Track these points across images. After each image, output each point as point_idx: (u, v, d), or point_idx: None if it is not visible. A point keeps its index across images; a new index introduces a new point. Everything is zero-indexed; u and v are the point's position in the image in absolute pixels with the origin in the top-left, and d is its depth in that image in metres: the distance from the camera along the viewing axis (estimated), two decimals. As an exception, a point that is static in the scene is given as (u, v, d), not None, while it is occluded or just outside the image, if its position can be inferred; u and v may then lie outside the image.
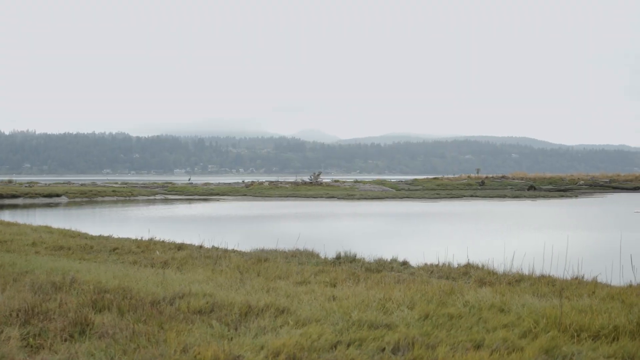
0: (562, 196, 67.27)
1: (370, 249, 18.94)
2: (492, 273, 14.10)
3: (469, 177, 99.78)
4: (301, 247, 18.76)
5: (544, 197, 66.21)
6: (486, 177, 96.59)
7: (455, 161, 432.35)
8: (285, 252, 18.14)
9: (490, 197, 64.92)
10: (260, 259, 15.56)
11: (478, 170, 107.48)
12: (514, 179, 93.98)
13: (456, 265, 15.69)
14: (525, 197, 65.54)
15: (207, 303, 9.05)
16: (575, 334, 7.42)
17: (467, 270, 14.69)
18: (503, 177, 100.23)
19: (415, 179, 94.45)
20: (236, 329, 7.85)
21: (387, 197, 63.63)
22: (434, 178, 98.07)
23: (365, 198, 62.04)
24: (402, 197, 63.64)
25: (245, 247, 19.39)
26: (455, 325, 8.04)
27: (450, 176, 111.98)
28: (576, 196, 67.17)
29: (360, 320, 8.09)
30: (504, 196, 65.57)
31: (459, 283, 12.41)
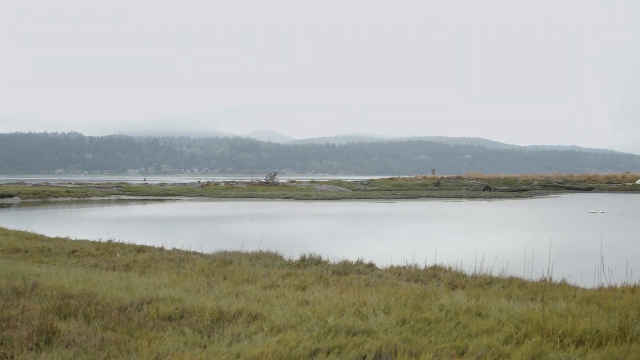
0: (517, 196, 67.72)
1: (333, 251, 18.76)
2: (461, 275, 13.97)
3: (424, 177, 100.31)
4: (264, 249, 18.50)
5: (499, 197, 66.65)
6: (441, 178, 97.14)
7: (410, 161, 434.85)
8: (248, 254, 17.86)
9: (446, 197, 65.13)
10: (225, 262, 15.26)
11: (433, 171, 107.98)
12: (469, 180, 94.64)
13: (423, 267, 15.54)
14: (481, 197, 65.89)
15: (176, 309, 8.74)
16: (559, 340, 7.28)
17: (436, 273, 14.55)
18: (458, 177, 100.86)
19: (371, 179, 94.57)
20: (209, 336, 7.57)
21: (344, 198, 63.49)
22: (390, 178, 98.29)
23: (322, 198, 61.84)
24: (359, 198, 63.56)
25: (207, 249, 19.02)
26: (434, 330, 7.86)
27: (406, 176, 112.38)
28: (531, 196, 67.70)
29: (337, 326, 7.85)
30: (460, 196, 65.80)
31: (430, 286, 12.25)
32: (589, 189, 79.88)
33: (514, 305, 9.23)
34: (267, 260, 16.69)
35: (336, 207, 49.52)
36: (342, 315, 8.56)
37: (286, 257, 17.57)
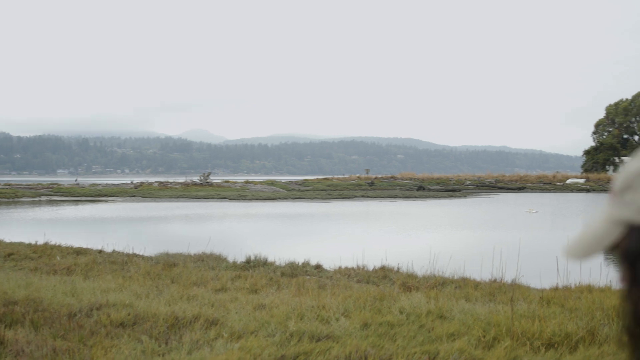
0: (451, 196, 68.19)
1: (276, 252, 18.39)
2: (412, 276, 13.80)
3: (358, 177, 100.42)
4: (206, 251, 18.10)
5: (434, 197, 67.03)
6: (375, 178, 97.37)
7: (342, 162, 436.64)
8: (191, 255, 17.43)
9: (381, 197, 65.27)
10: (170, 264, 14.80)
11: (367, 171, 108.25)
12: (402, 180, 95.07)
13: (372, 268, 15.36)
14: (416, 197, 66.18)
15: (128, 314, 8.38)
16: (529, 343, 7.15)
17: (386, 274, 14.36)
18: (392, 177, 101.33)
19: (306, 180, 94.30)
20: (167, 343, 7.24)
21: (279, 198, 63.14)
22: (324, 178, 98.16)
23: (257, 199, 61.38)
24: (294, 198, 63.27)
25: (147, 250, 18.51)
26: (399, 334, 7.66)
27: (340, 177, 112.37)
28: (465, 196, 68.26)
29: (299, 331, 7.60)
30: (394, 196, 66.03)
31: (384, 288, 12.07)
32: (520, 189, 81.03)
33: (476, 307, 9.09)
34: (212, 262, 16.29)
35: (273, 208, 49.16)
36: (302, 319, 8.31)
37: (230, 258, 17.20)
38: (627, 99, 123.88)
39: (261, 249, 18.14)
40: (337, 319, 8.35)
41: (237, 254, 17.56)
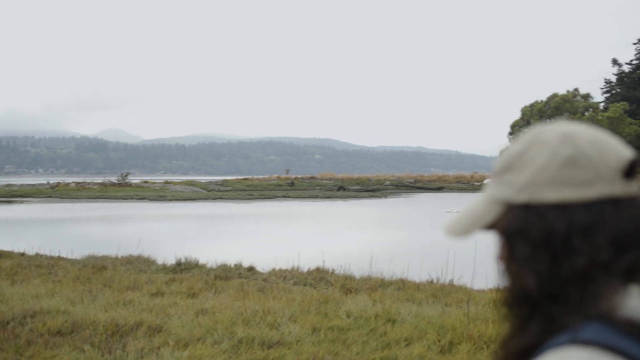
0: (372, 196, 68.47)
1: (203, 253, 17.95)
2: (350, 278, 13.60)
3: (278, 177, 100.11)
4: (133, 252, 17.58)
5: (354, 197, 67.18)
6: (295, 178, 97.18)
7: (260, 162, 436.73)
8: (119, 258, 16.91)
9: (302, 197, 65.17)
10: (99, 267, 14.26)
11: (287, 171, 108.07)
12: (322, 180, 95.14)
13: (306, 270, 15.11)
14: (337, 197, 66.22)
15: (66, 322, 7.96)
16: (485, 347, 7.03)
17: (322, 276, 14.13)
18: (312, 177, 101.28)
19: (226, 180, 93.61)
20: (110, 352, 6.88)
21: (199, 198, 62.40)
22: (244, 179, 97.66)
23: (178, 199, 60.55)
24: (214, 198, 62.62)
25: (72, 253, 17.89)
26: (351, 339, 7.47)
27: (260, 177, 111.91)
28: (385, 196, 68.62)
29: (248, 337, 7.33)
30: (315, 196, 66.00)
31: (324, 290, 11.86)
32: (439, 189, 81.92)
33: (425, 310, 8.95)
34: (141, 264, 15.81)
35: (195, 208, 48.52)
36: (249, 324, 8.03)
37: (159, 261, 16.73)
38: (542, 101, 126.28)
39: (189, 251, 17.69)
40: (285, 324, 8.10)
41: (165, 256, 17.09)
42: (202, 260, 16.38)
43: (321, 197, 65.10)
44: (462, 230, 1.32)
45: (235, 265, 15.87)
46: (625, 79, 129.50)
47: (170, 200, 59.81)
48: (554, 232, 1.20)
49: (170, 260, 16.47)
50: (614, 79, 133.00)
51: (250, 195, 66.70)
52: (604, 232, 1.18)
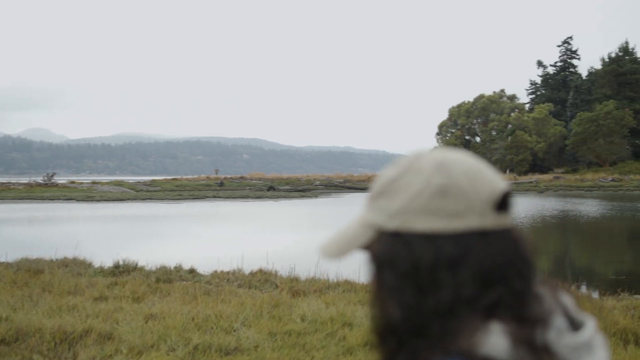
0: (302, 196, 68.43)
1: (138, 255, 17.44)
2: (296, 280, 13.35)
3: (207, 177, 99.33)
4: (68, 255, 17.00)
5: (285, 197, 67.08)
6: (225, 178, 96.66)
7: (187, 162, 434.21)
8: (54, 261, 16.28)
9: (233, 197, 64.77)
10: (35, 271, 13.65)
11: (217, 171, 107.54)
12: (252, 180, 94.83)
13: (248, 272, 14.79)
14: (267, 197, 66.03)
15: (10, 330, 7.52)
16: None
17: (267, 278, 13.82)
18: (242, 177, 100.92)
19: (154, 180, 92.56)
20: (60, 362, 6.52)
21: (128, 199, 61.46)
22: (173, 179, 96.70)
23: (106, 200, 59.51)
24: (144, 199, 61.74)
25: (5, 256, 17.16)
26: (309, 344, 7.23)
27: (189, 177, 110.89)
28: (316, 196, 68.62)
29: (204, 343, 7.03)
30: (246, 197, 65.67)
31: (276, 293, 11.60)
32: (368, 189, 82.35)
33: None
34: (78, 267, 15.25)
35: (125, 209, 47.69)
36: (202, 330, 7.73)
37: (96, 263, 16.20)
38: (469, 101, 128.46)
39: (125, 253, 17.21)
40: (240, 329, 7.83)
41: (101, 258, 16.56)
42: (140, 263, 15.91)
43: (252, 197, 64.80)
44: (336, 251, 1.30)
45: (176, 267, 15.44)
46: (550, 80, 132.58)
47: (98, 200, 58.77)
48: (420, 263, 1.18)
49: (108, 263, 15.97)
50: (538, 80, 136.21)
51: (180, 195, 65.96)
52: (470, 266, 1.16)
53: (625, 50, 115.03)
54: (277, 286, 12.68)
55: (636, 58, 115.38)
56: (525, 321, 1.14)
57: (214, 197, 65.27)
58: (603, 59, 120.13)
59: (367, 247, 1.27)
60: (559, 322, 1.18)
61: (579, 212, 42.76)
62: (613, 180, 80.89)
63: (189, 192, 69.47)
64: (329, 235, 1.31)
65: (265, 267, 15.04)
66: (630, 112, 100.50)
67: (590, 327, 1.21)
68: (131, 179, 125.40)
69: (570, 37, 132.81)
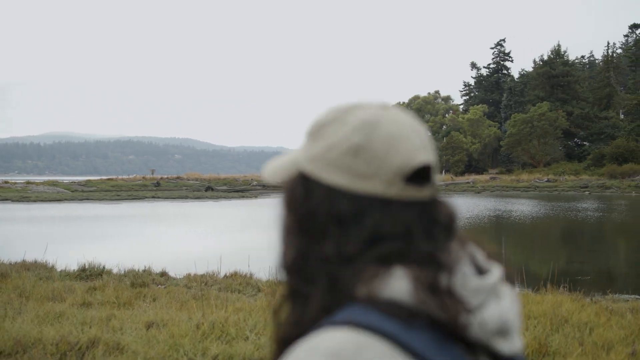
0: (242, 197, 68.00)
1: (94, 257, 16.69)
2: (276, 283, 12.93)
3: (144, 178, 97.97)
4: (26, 259, 16.26)
5: (225, 197, 66.56)
6: (161, 178, 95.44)
7: (119, 162, 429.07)
8: (13, 264, 15.51)
9: (172, 197, 63.97)
10: (1, 275, 12.96)
11: (153, 171, 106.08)
12: (189, 180, 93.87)
13: (223, 275, 14.33)
14: (207, 197, 65.44)
15: (6, 340, 6.92)
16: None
17: (247, 281, 13.39)
18: (178, 177, 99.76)
19: (89, 180, 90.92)
20: (74, 376, 6.03)
21: (65, 199, 60.12)
22: (108, 179, 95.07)
23: (43, 200, 58.12)
24: (81, 199, 60.48)
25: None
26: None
27: (124, 177, 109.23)
28: (256, 197, 68.16)
29: (224, 354, 6.59)
30: (185, 197, 64.92)
31: (261, 297, 11.20)
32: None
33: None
34: (41, 271, 14.50)
35: (64, 209, 46.53)
36: (209, 338, 7.29)
37: (58, 266, 15.51)
38: (404, 102, 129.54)
39: (81, 255, 16.54)
40: (250, 337, 7.41)
41: (60, 261, 15.91)
42: (107, 266, 15.29)
43: (191, 198, 64.08)
44: (272, 176, 1.30)
45: (145, 270, 14.88)
46: (483, 82, 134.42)
47: (34, 201, 57.39)
48: (314, 212, 1.20)
49: (70, 266, 15.30)
50: (472, 82, 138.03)
51: (118, 195, 64.81)
52: (361, 228, 1.17)
53: (557, 52, 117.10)
54: (259, 289, 12.29)
55: (568, 61, 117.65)
56: (430, 265, 1.14)
57: (153, 197, 64.36)
58: (535, 61, 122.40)
59: (283, 182, 1.28)
60: (465, 268, 1.19)
61: (522, 212, 43.28)
62: (548, 180, 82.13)
63: (127, 193, 68.30)
64: (274, 160, 1.31)
65: (240, 269, 14.62)
66: (563, 113, 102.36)
67: (496, 273, 1.22)
68: (64, 179, 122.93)
69: (503, 40, 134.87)
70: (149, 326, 7.97)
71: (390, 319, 1.08)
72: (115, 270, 14.94)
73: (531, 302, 9.40)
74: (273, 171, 1.29)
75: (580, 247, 26.38)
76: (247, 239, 25.59)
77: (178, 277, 14.33)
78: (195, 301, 10.08)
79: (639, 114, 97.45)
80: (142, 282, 13.07)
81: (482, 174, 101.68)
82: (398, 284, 1.11)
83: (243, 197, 67.97)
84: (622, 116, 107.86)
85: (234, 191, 77.33)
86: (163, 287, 12.77)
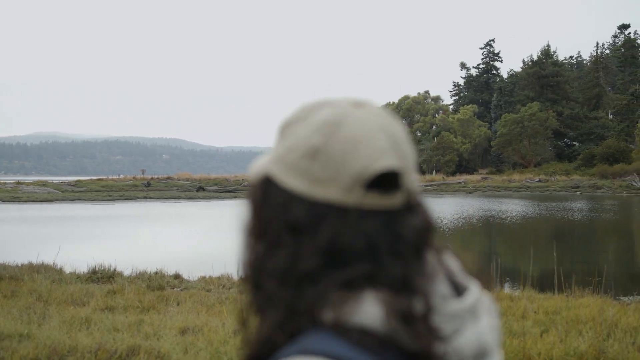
0: (234, 197, 67.60)
1: (100, 258, 16.37)
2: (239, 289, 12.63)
3: (134, 178, 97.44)
4: (33, 260, 15.93)
5: (217, 198, 66.36)
6: (152, 178, 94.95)
7: (106, 162, 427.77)
8: (20, 266, 15.18)
9: (164, 198, 63.64)
10: (15, 278, 12.58)
11: (143, 172, 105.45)
12: (179, 180, 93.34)
13: (239, 277, 14.04)
14: (199, 198, 65.20)
15: (42, 348, 6.65)
16: None
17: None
18: (169, 178, 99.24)
19: (79, 180, 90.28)
20: (119, 387, 5.75)
21: (57, 199, 59.71)
22: (99, 179, 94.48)
23: (34, 200, 57.72)
24: (73, 199, 60.10)
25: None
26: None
27: (115, 177, 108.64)
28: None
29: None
30: (178, 197, 64.63)
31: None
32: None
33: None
34: (50, 273, 14.20)
35: (57, 210, 46.15)
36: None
37: (67, 268, 15.19)
38: (394, 102, 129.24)
39: (84, 256, 16.29)
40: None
41: (63, 262, 15.60)
42: (118, 269, 14.97)
43: (183, 198, 63.80)
44: (253, 174, 1.21)
45: (157, 272, 14.59)
46: (473, 82, 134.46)
47: (26, 201, 57.00)
48: (270, 218, 1.12)
49: (79, 268, 14.99)
50: (462, 82, 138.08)
51: (109, 196, 64.42)
52: (316, 238, 1.08)
53: (547, 53, 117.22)
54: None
55: (557, 61, 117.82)
56: (403, 290, 1.06)
57: (145, 197, 64.05)
58: (524, 61, 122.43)
59: (251, 183, 1.21)
60: (441, 288, 1.12)
61: (517, 212, 43.19)
62: (540, 181, 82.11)
63: (118, 193, 67.85)
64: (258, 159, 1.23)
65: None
66: (554, 113, 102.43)
67: (474, 292, 1.15)
68: (53, 179, 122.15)
69: (493, 40, 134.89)
70: (183, 332, 7.71)
71: (359, 350, 1.00)
72: (126, 273, 14.66)
73: (572, 305, 9.21)
74: (253, 171, 1.20)
75: (585, 247, 26.24)
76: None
77: (192, 280, 14.07)
78: (221, 305, 9.82)
79: (627, 114, 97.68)
80: (158, 285, 12.78)
81: (472, 174, 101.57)
82: (369, 311, 1.03)
83: (235, 197, 67.59)
84: (610, 116, 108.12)
85: (225, 191, 76.97)
86: (179, 289, 12.52)
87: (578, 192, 72.06)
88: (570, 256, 23.04)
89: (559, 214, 41.87)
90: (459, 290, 1.16)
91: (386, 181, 1.10)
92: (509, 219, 38.50)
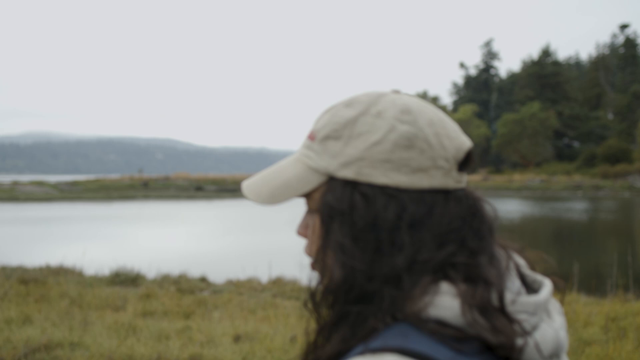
0: (234, 197, 67.24)
1: (119, 260, 15.88)
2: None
3: (131, 177, 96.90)
4: (49, 262, 15.48)
5: (217, 197, 66.03)
6: (149, 178, 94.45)
7: (100, 161, 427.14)
8: (43, 268, 14.71)
9: (163, 198, 63.37)
10: (36, 282, 12.10)
11: (141, 171, 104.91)
12: (177, 180, 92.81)
13: (266, 281, 13.59)
14: (199, 198, 64.92)
15: (92, 358, 6.21)
16: None
17: (300, 287, 12.67)
18: (166, 177, 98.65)
19: (76, 180, 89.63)
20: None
21: (55, 199, 59.26)
22: (96, 179, 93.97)
23: (33, 200, 57.31)
24: (72, 199, 59.66)
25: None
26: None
27: (111, 176, 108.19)
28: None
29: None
30: (177, 197, 64.35)
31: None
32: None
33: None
34: (73, 276, 13.73)
35: (59, 210, 45.74)
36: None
37: (87, 272, 14.71)
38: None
39: (99, 257, 15.87)
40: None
41: (84, 265, 15.15)
42: (141, 271, 14.48)
43: (183, 198, 63.49)
44: (269, 196, 1.16)
45: (181, 275, 14.12)
46: (472, 82, 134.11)
47: (24, 201, 56.56)
48: (379, 221, 1.06)
49: (101, 270, 14.51)
50: (461, 81, 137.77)
51: (108, 196, 64.11)
52: (430, 227, 1.05)
53: (546, 52, 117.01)
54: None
55: (557, 61, 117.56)
56: (479, 282, 1.03)
57: (144, 197, 63.72)
58: (523, 61, 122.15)
59: (311, 195, 1.15)
60: (514, 283, 1.09)
61: (524, 213, 42.88)
62: (541, 181, 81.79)
63: (117, 193, 67.44)
64: (255, 176, 1.18)
65: (283, 274, 13.92)
66: (554, 113, 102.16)
67: (547, 289, 1.11)
68: (49, 178, 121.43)
69: (492, 39, 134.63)
70: (236, 339, 7.27)
71: (441, 344, 0.97)
72: (149, 275, 14.19)
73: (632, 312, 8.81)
74: (270, 191, 1.14)
75: (602, 248, 25.87)
76: (264, 241, 24.91)
77: (219, 283, 13.61)
78: (264, 310, 9.38)
79: (628, 114, 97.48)
80: (189, 288, 12.32)
81: (471, 174, 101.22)
82: (447, 303, 1.00)
83: (235, 197, 67.19)
84: (611, 116, 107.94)
85: (225, 191, 76.53)
86: (207, 293, 12.08)
87: (580, 193, 71.71)
88: (587, 257, 22.71)
89: (564, 214, 41.64)
90: (528, 286, 1.13)
91: (466, 161, 1.10)
92: (517, 219, 38.19)
